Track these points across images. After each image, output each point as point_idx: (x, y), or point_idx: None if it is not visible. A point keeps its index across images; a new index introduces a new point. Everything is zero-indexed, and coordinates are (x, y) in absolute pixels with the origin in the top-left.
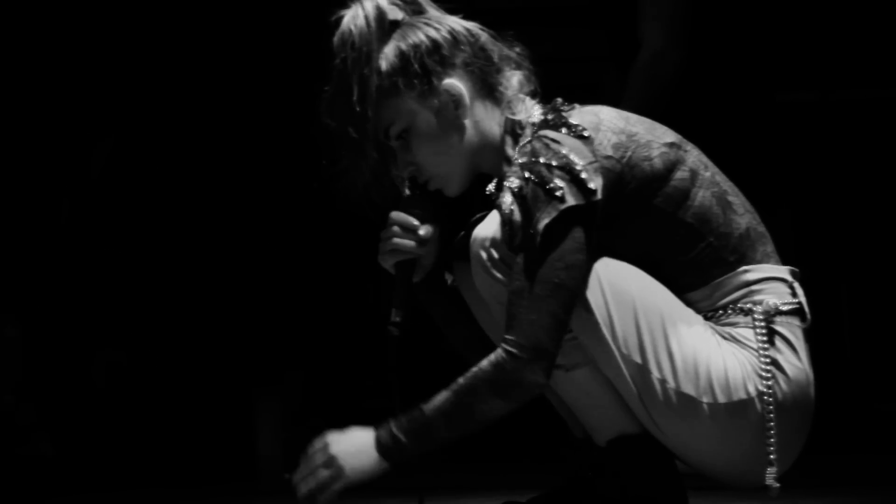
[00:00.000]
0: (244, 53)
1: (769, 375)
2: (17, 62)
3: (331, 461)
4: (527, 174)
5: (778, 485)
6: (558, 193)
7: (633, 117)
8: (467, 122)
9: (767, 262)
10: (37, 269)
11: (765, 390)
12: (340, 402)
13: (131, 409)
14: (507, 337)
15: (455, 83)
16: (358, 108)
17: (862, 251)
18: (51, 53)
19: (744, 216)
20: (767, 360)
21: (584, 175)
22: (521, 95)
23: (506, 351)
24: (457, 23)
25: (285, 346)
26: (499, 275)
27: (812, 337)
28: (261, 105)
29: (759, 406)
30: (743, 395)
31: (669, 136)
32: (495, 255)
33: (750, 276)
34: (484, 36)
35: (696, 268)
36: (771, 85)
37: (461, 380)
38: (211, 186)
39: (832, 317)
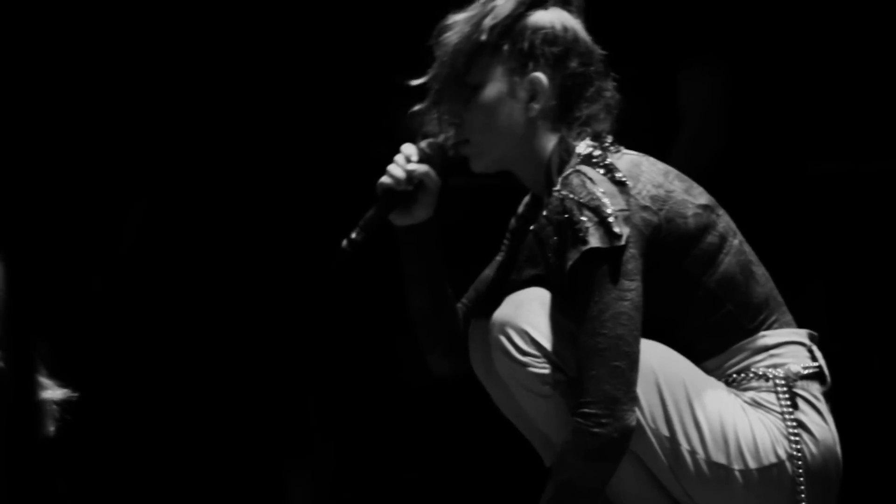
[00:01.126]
0: (282, 109)
1: (797, 438)
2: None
3: None
4: (562, 208)
5: None
6: (582, 235)
7: (673, 172)
8: (529, 120)
9: (785, 329)
10: (66, 349)
11: (794, 453)
12: (373, 473)
13: (161, 481)
14: (579, 400)
15: (544, 81)
16: (467, 45)
17: None
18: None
19: (765, 286)
20: (794, 423)
21: (611, 219)
22: (587, 129)
23: (579, 414)
24: (586, 39)
25: (316, 416)
26: (520, 357)
27: (844, 408)
28: (303, 164)
29: (790, 469)
30: (773, 459)
31: (704, 197)
32: (516, 339)
33: (768, 341)
34: (597, 66)
35: (714, 334)
36: (804, 155)
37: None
38: (241, 257)
39: (866, 390)
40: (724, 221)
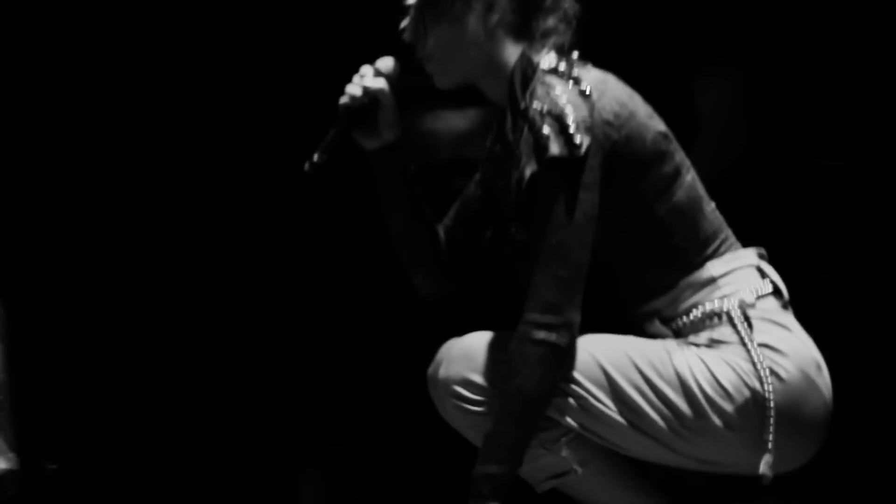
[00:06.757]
0: (290, 113)
1: (762, 359)
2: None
3: None
4: (526, 119)
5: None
6: (543, 142)
7: (638, 97)
8: (488, 33)
9: (729, 253)
10: (74, 354)
11: (764, 375)
12: (383, 476)
13: (171, 484)
14: (524, 306)
15: None
16: None
17: None
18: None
19: (713, 223)
20: (757, 346)
21: (572, 129)
22: (548, 41)
23: (522, 321)
24: None
25: (326, 419)
26: (475, 408)
27: (853, 404)
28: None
29: (765, 392)
30: (747, 394)
31: (663, 126)
32: (464, 392)
33: (714, 271)
34: None
35: (662, 266)
36: (811, 151)
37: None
38: (251, 260)
39: (876, 390)
40: (680, 155)
